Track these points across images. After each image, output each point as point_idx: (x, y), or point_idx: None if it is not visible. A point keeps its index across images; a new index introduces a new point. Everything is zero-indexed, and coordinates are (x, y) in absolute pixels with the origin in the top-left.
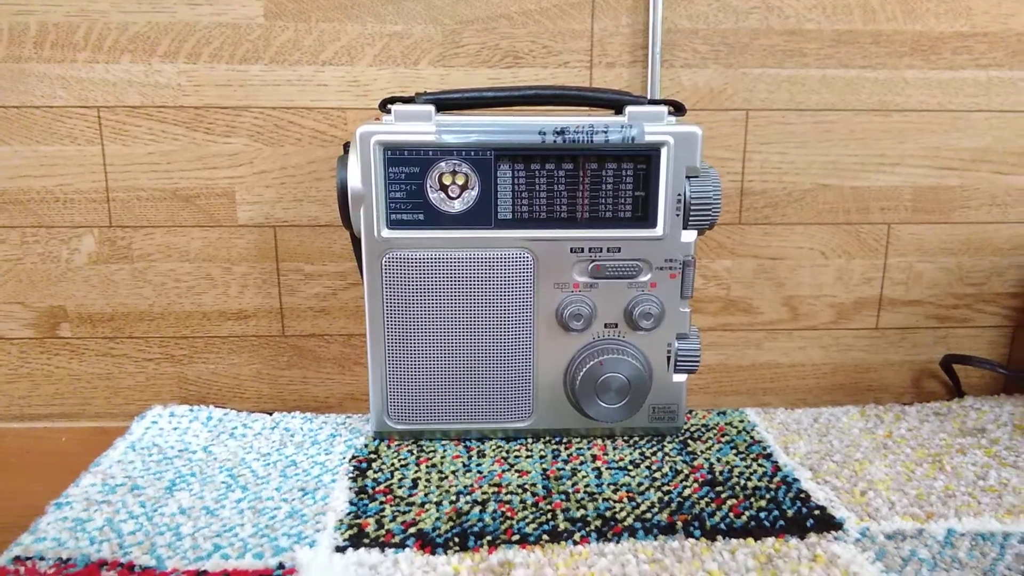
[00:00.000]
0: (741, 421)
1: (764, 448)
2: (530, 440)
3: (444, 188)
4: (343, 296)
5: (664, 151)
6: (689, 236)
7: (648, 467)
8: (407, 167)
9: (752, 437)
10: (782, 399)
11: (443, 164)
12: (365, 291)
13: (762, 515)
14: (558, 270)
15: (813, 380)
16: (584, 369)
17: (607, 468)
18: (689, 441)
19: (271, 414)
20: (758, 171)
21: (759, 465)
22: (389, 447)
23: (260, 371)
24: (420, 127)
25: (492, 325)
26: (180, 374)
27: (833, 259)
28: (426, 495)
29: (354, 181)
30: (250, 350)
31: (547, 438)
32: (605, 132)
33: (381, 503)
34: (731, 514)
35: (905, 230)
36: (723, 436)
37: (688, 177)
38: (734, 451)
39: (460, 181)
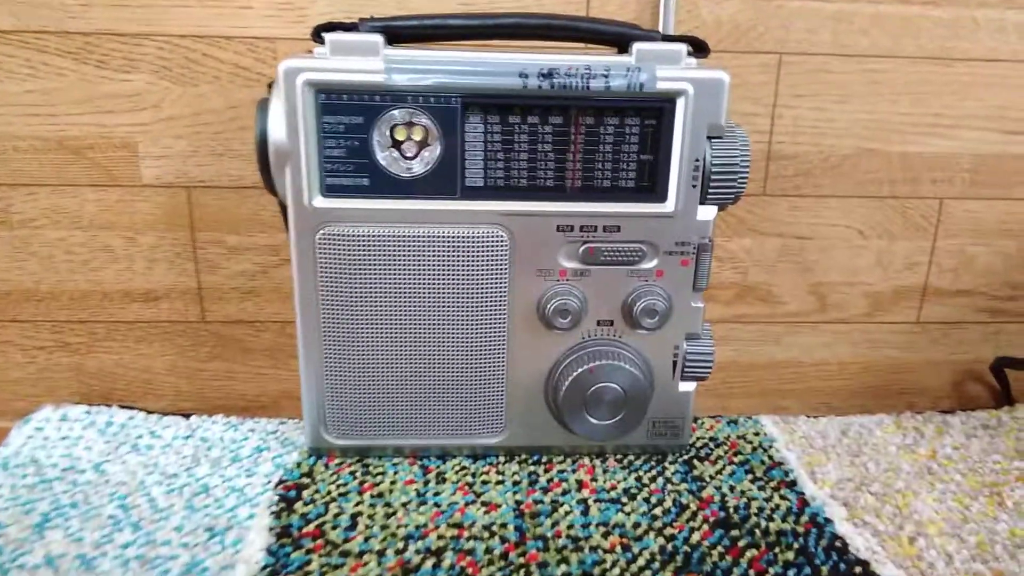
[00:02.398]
0: (756, 434)
1: (786, 473)
2: (502, 459)
3: (397, 144)
4: (276, 275)
5: (680, 103)
6: (707, 213)
7: (646, 499)
8: (347, 116)
9: (771, 457)
10: (802, 403)
11: (395, 113)
12: (294, 274)
13: (790, 573)
14: (541, 253)
15: (839, 381)
16: (570, 377)
17: (595, 501)
18: (695, 462)
19: (188, 417)
20: (789, 130)
21: (782, 498)
22: (327, 467)
23: (176, 363)
24: (364, 63)
25: (456, 320)
26: (78, 365)
27: (872, 240)
28: (366, 540)
29: (277, 133)
30: (163, 338)
31: (523, 457)
32: (606, 76)
33: (307, 552)
34: (751, 572)
35: (960, 206)
36: (736, 455)
37: (710, 138)
38: (750, 477)
39: (417, 136)
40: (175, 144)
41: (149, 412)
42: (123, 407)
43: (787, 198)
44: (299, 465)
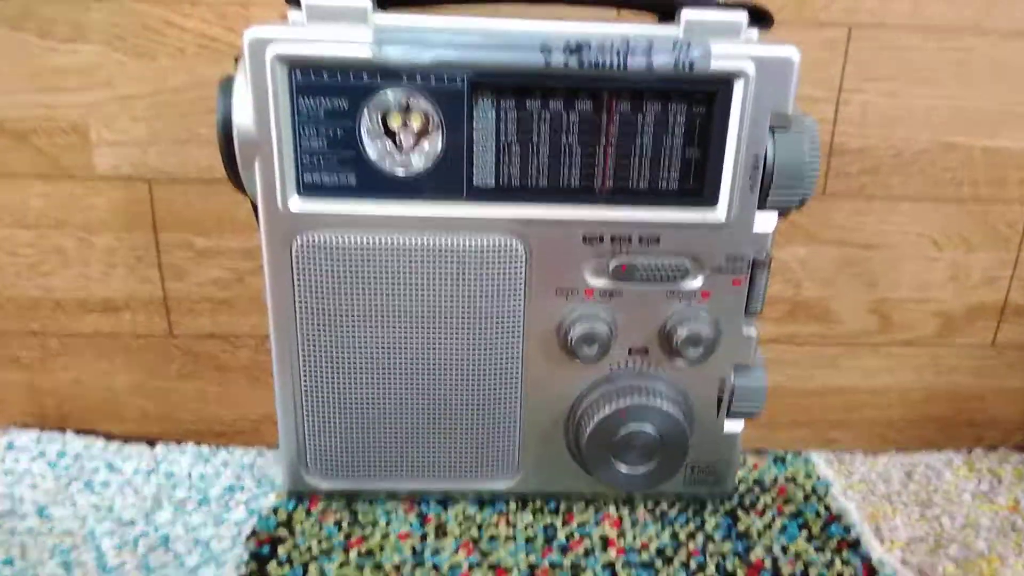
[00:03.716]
0: (808, 476)
1: (847, 529)
2: (514, 507)
3: (391, 134)
4: (253, 283)
5: (738, 86)
6: (766, 222)
7: (684, 564)
8: (328, 99)
9: (827, 507)
10: (856, 436)
11: (388, 95)
12: (267, 290)
13: None
14: (563, 268)
15: (899, 410)
16: (596, 418)
17: (624, 565)
18: (739, 512)
19: (153, 446)
20: (857, 120)
21: (844, 563)
22: (309, 513)
23: (142, 383)
24: (348, 32)
25: (461, 346)
26: (30, 383)
27: (948, 250)
28: None
29: (243, 119)
30: (125, 353)
31: (537, 504)
32: (647, 52)
33: None
34: None
35: None
36: (786, 503)
37: (772, 129)
38: (805, 533)
39: (415, 123)
40: (132, 128)
41: (110, 438)
42: (80, 432)
43: (850, 200)
44: (276, 511)
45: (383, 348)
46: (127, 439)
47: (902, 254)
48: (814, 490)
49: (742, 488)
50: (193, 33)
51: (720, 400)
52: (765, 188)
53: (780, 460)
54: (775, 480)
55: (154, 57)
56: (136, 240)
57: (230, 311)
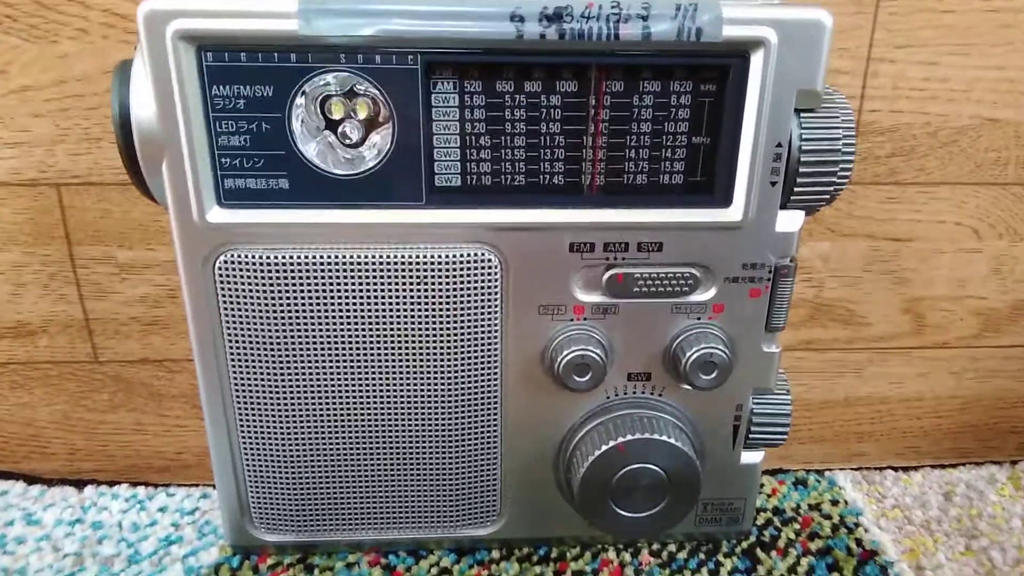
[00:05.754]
0: (835, 502)
1: (883, 569)
2: (496, 556)
3: (332, 126)
4: None
5: (757, 59)
6: (791, 222)
7: None
8: (250, 85)
9: (859, 541)
10: (884, 449)
11: (326, 80)
12: (188, 317)
13: None
14: (547, 282)
15: (931, 420)
16: (592, 457)
17: None
18: (759, 552)
19: (82, 488)
20: (887, 94)
21: None
22: (257, 570)
23: (67, 415)
24: (269, 2)
25: (427, 377)
26: None
27: (990, 241)
28: None
29: (143, 112)
30: (46, 383)
31: (525, 551)
32: (644, 18)
33: None
34: None
35: None
36: (811, 538)
37: (799, 111)
38: None
39: (361, 112)
40: (34, 125)
41: (32, 481)
42: None
43: (879, 187)
44: (217, 570)
45: (331, 382)
46: (52, 481)
47: (938, 247)
48: (843, 520)
49: (760, 519)
50: (98, 10)
51: (736, 429)
52: (789, 182)
53: (801, 483)
54: (797, 508)
55: (54, 39)
56: (48, 254)
57: (163, 332)
